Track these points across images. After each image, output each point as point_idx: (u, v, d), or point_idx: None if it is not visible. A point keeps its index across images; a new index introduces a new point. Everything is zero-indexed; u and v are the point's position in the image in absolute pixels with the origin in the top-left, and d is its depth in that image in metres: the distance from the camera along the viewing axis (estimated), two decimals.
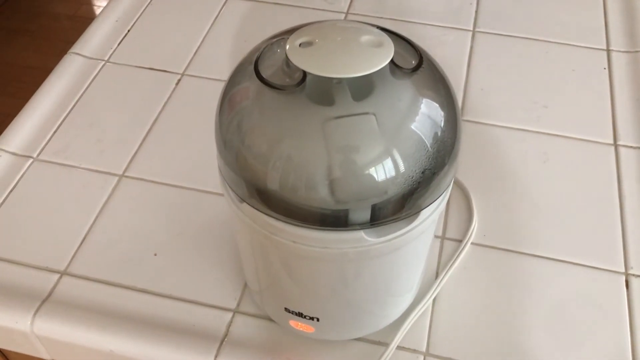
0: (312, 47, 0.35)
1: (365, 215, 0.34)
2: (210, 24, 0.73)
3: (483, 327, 0.48)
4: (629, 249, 0.52)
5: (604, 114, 0.63)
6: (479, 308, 0.49)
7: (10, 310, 0.48)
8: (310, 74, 0.33)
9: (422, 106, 0.35)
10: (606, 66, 0.68)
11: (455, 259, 0.51)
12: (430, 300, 0.49)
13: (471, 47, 0.70)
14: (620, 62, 0.68)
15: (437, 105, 0.36)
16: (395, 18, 0.74)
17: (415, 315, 0.47)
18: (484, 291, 0.50)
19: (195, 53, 0.69)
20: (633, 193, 0.56)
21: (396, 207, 0.35)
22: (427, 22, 0.73)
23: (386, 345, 0.46)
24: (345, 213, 0.34)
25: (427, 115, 0.35)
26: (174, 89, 0.66)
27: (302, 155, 0.34)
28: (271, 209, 0.35)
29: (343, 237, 0.35)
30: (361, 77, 0.33)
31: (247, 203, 0.36)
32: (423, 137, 0.34)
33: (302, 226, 0.35)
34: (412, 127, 0.34)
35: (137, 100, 0.65)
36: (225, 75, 0.66)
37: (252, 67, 0.36)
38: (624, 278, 0.50)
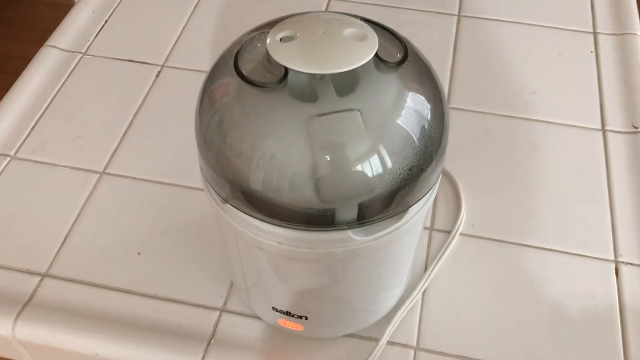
0: (293, 41, 0.33)
1: (352, 214, 0.33)
2: (189, 13, 0.71)
3: (473, 319, 0.47)
4: (618, 236, 0.52)
5: (592, 99, 0.62)
6: (469, 299, 0.48)
7: None
8: (292, 70, 0.32)
9: (408, 101, 0.34)
10: (593, 50, 0.67)
11: (444, 251, 0.51)
12: (420, 294, 0.48)
13: (457, 32, 0.69)
14: (607, 45, 0.67)
15: (424, 99, 0.35)
16: (379, 3, 0.72)
17: (404, 310, 0.47)
18: (473, 282, 0.49)
19: (175, 43, 0.68)
20: (621, 179, 0.55)
21: (383, 205, 0.34)
22: (411, 7, 0.72)
23: (377, 340, 0.45)
24: (332, 212, 0.33)
25: (413, 110, 0.34)
26: (155, 81, 0.64)
27: (286, 154, 0.33)
28: (255, 209, 0.34)
29: (330, 237, 0.34)
30: (345, 72, 0.32)
31: (230, 204, 0.35)
32: (410, 133, 0.33)
33: (287, 227, 0.34)
34: (399, 122, 0.34)
35: (117, 94, 0.63)
36: (206, 66, 0.65)
37: (232, 62, 0.34)
38: (613, 266, 0.50)
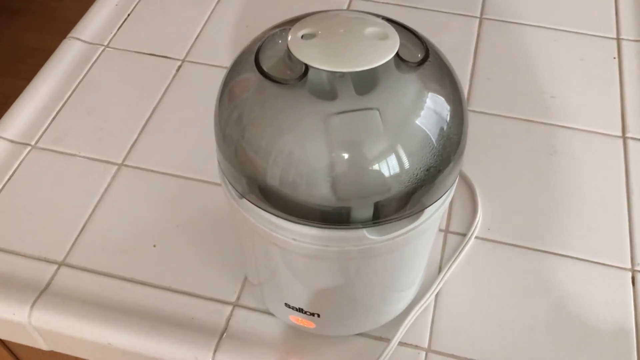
0: (314, 39, 0.34)
1: (368, 213, 0.33)
2: (211, 9, 0.71)
3: (486, 323, 0.47)
4: (635, 244, 0.51)
5: (613, 105, 0.61)
6: (482, 303, 0.48)
7: (7, 301, 0.48)
8: (312, 67, 0.32)
9: (428, 101, 0.34)
10: (616, 55, 0.66)
11: (459, 254, 0.50)
12: (433, 296, 0.48)
13: (478, 35, 0.69)
14: (630, 51, 0.66)
15: (443, 100, 0.35)
16: (401, 3, 0.72)
17: (417, 311, 0.47)
18: (487, 286, 0.49)
19: (196, 39, 0.68)
20: None
21: (399, 205, 0.34)
22: (433, 8, 0.72)
23: (388, 341, 0.45)
24: (347, 211, 0.33)
25: (432, 111, 0.34)
26: (175, 75, 0.65)
27: (304, 151, 0.33)
28: (271, 205, 0.34)
29: (344, 236, 0.34)
30: (365, 71, 0.32)
31: (247, 199, 0.35)
32: (428, 133, 0.33)
33: (302, 224, 0.34)
34: (417, 122, 0.33)
35: (137, 87, 0.64)
36: (226, 61, 0.65)
37: (252, 58, 0.35)
38: (630, 275, 0.49)
